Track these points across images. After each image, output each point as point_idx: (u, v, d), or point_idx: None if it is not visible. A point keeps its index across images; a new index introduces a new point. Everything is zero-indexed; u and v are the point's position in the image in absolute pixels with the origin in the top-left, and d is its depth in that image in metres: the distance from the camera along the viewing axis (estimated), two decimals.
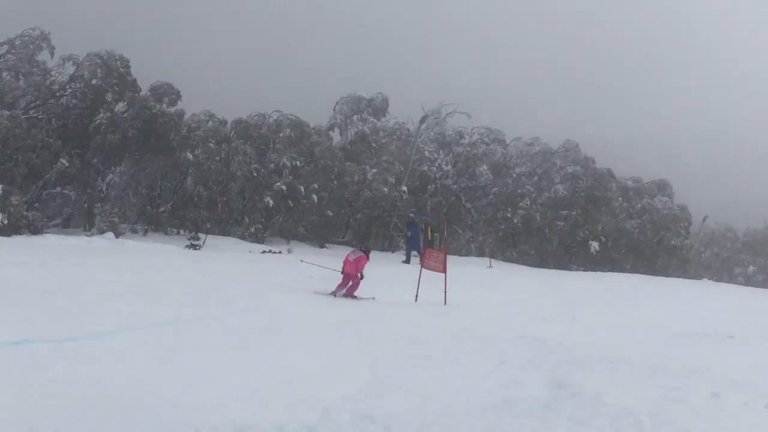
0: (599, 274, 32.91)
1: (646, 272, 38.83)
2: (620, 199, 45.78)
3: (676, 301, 22.46)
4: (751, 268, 61.72)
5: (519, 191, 41.98)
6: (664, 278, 33.78)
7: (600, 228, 41.52)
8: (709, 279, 41.06)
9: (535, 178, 44.60)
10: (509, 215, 41.41)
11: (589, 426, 7.75)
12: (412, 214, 36.18)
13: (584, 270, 37.56)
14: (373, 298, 17.52)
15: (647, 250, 43.01)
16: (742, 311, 20.71)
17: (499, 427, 7.52)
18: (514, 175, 43.85)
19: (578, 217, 41.11)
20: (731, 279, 57.57)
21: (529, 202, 41.92)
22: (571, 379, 9.70)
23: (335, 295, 17.44)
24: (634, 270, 39.58)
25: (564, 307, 18.60)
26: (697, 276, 44.12)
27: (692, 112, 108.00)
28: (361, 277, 17.74)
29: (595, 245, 40.40)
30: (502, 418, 7.80)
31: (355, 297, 17.54)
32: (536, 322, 15.26)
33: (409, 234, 32.05)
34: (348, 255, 18.38)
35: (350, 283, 17.73)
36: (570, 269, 37.94)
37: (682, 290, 26.70)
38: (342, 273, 17.84)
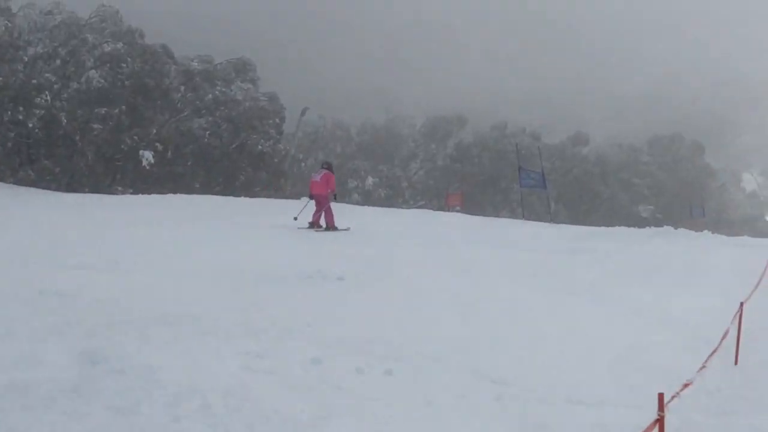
0: (156, 197, 33.36)
1: (223, 191, 40.38)
2: (183, 88, 46.68)
3: (265, 233, 23.62)
4: (370, 180, 66.93)
5: (34, 82, 40.90)
6: (248, 199, 35.34)
7: (155, 131, 42.06)
8: (311, 198, 43.88)
9: (58, 61, 43.74)
10: (21, 117, 40.26)
11: (137, 415, 7.85)
12: None
13: (134, 192, 37.92)
14: (349, 229, 25.16)
15: (224, 160, 44.66)
16: (353, 242, 22.38)
17: (2, 424, 7.31)
18: (26, 59, 42.72)
19: (123, 116, 41.17)
20: (344, 196, 62.21)
21: (50, 98, 41.03)
22: (113, 350, 9.66)
23: (315, 230, 24.87)
24: (206, 188, 41.00)
25: (104, 247, 18.59)
26: (294, 194, 46.93)
27: None
28: (335, 197, 26.18)
29: (148, 156, 40.91)
30: (6, 412, 7.57)
31: (336, 228, 25.07)
32: (63, 270, 15.03)
33: None
34: (312, 178, 26.34)
35: (322, 210, 25.27)
36: (114, 192, 38.04)
37: (272, 215, 28.12)
38: (310, 198, 26.03)
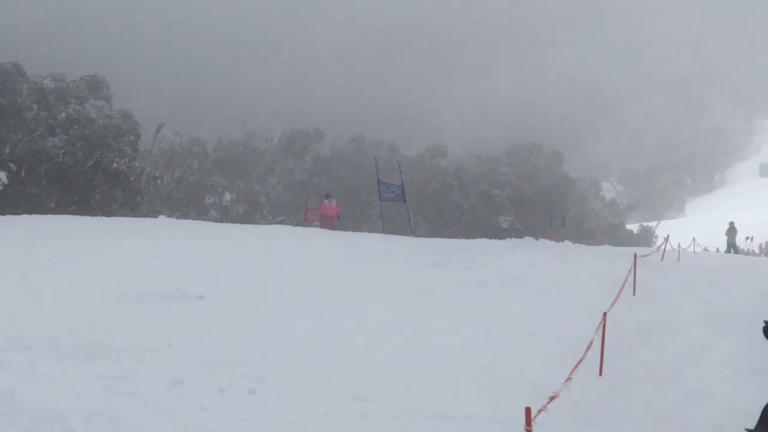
0: (9, 217, 32.32)
1: (79, 210, 39.44)
2: (36, 107, 45.48)
3: (121, 252, 23.10)
4: (228, 196, 65.99)
5: None
6: (103, 218, 34.54)
7: (8, 151, 40.92)
8: (168, 215, 43.22)
9: None
10: None
11: None
12: None
13: None
14: None
15: (80, 179, 43.65)
16: (212, 260, 22.02)
17: None
18: None
19: None
20: (201, 213, 61.32)
21: None
22: None
23: None
24: (61, 208, 39.97)
25: None
26: (152, 212, 46.12)
27: None
28: None
29: (2, 176, 39.85)
30: None
31: None
32: None
33: None
34: None
35: None
36: None
37: (134, 234, 27.57)
38: None
